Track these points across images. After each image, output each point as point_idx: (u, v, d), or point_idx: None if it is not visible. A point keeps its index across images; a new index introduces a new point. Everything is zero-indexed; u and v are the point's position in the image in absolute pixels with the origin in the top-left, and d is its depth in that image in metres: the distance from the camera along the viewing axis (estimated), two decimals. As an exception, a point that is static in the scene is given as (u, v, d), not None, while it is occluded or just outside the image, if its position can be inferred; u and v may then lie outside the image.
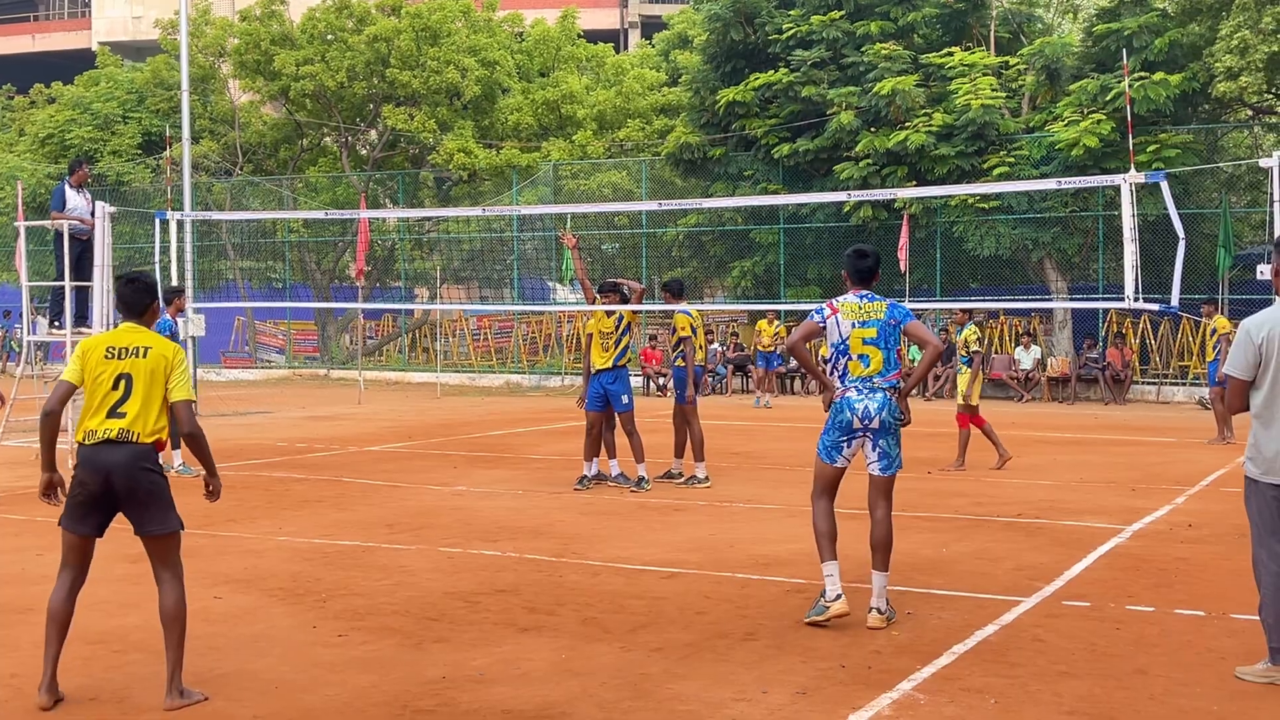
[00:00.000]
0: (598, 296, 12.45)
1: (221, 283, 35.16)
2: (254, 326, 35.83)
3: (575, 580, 7.96)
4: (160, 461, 5.61)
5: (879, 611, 6.80)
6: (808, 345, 7.26)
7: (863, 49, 25.49)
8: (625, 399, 11.99)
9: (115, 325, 14.32)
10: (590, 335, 12.30)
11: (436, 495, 11.69)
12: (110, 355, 5.51)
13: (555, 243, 29.40)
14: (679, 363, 12.59)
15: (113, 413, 5.44)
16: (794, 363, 24.52)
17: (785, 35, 26.21)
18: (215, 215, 30.43)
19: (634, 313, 12.52)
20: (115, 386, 5.45)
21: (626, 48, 49.05)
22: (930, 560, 8.49)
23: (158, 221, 16.74)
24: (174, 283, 16.53)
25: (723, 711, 5.40)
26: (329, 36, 33.14)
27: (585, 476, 12.17)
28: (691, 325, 12.50)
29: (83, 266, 14.48)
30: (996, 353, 25.50)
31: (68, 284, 14.28)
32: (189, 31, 23.83)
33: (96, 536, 5.59)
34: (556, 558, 8.69)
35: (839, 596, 6.71)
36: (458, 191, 33.53)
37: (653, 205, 22.71)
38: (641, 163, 30.75)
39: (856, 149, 24.83)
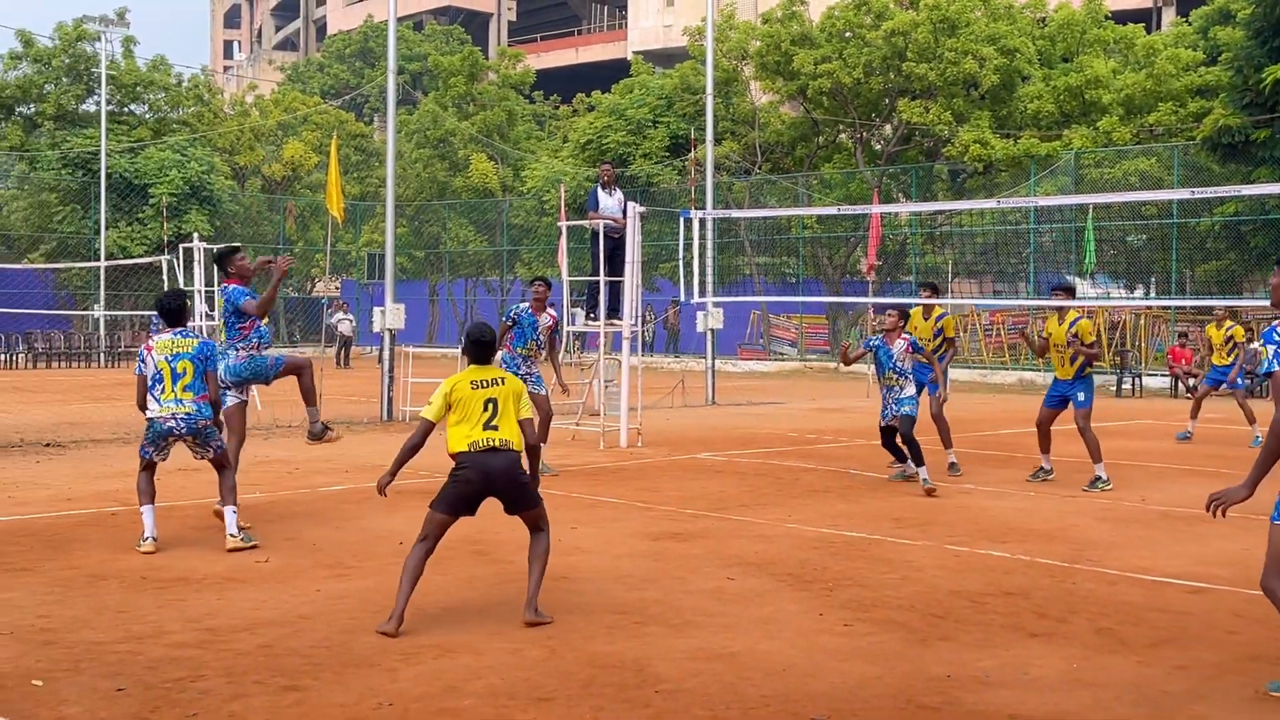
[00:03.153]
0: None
1: (738, 278, 36.58)
2: (768, 320, 36.97)
3: (1090, 588, 7.60)
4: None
5: None
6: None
7: None
8: (1082, 397, 12.02)
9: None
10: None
11: (943, 492, 11.55)
12: (476, 386, 6.74)
13: (1076, 234, 28.22)
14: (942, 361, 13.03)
15: (488, 426, 6.66)
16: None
17: (1347, 2, 23.69)
18: (734, 213, 31.65)
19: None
20: (485, 409, 6.68)
21: (1159, 26, 46.13)
22: None
23: (682, 220, 17.62)
24: (696, 278, 17.34)
25: (1255, 742, 4.96)
26: (847, 34, 33.60)
27: (1041, 469, 12.38)
28: (956, 326, 12.95)
29: (615, 262, 15.48)
30: None
31: (602, 279, 15.32)
32: (714, 37, 24.97)
33: (468, 515, 6.78)
34: (1069, 563, 8.34)
35: None
36: (972, 184, 32.93)
37: (1185, 193, 21.19)
38: (1173, 148, 28.85)
39: None
